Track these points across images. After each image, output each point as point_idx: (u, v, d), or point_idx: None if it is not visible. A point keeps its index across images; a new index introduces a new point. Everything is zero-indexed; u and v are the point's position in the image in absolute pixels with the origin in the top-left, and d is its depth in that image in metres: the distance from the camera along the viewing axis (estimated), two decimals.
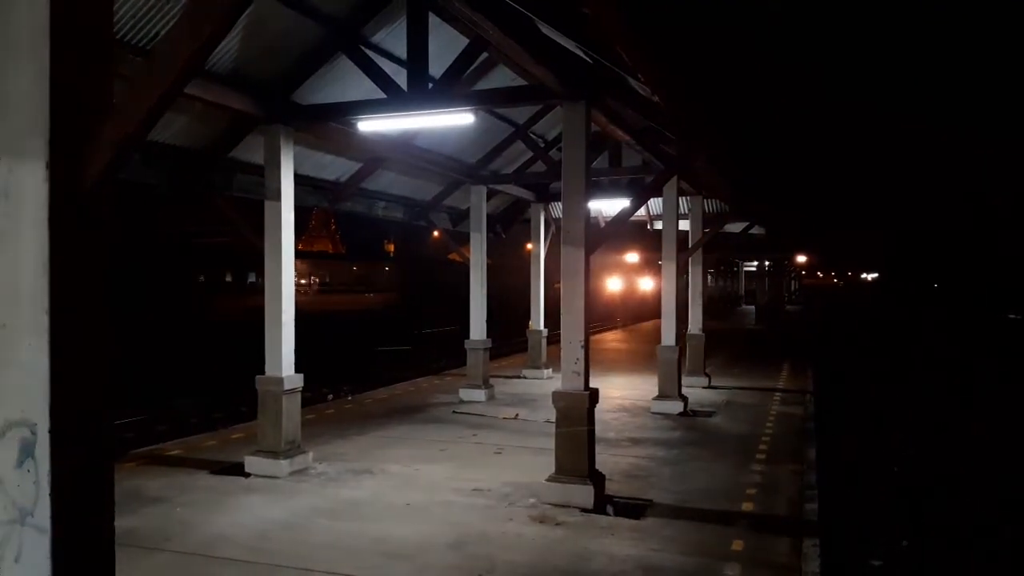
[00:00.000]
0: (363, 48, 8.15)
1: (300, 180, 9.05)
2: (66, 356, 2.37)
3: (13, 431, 2.39)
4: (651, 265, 23.66)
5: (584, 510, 6.73)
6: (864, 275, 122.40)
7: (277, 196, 8.03)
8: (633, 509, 6.82)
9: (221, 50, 7.29)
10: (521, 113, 12.09)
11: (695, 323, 14.67)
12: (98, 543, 2.52)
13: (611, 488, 7.25)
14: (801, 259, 48.39)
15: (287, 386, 7.98)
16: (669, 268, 12.34)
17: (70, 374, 2.38)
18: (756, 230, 20.22)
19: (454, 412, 11.66)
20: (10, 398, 2.40)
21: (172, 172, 9.34)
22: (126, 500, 6.61)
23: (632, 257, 38.39)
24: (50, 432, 2.34)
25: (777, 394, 13.67)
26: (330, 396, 13.16)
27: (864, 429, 14.06)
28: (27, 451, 2.37)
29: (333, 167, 11.73)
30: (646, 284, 37.19)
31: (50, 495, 2.34)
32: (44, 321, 2.33)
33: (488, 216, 13.38)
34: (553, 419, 7.31)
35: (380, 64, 8.10)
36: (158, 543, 5.83)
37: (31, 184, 2.36)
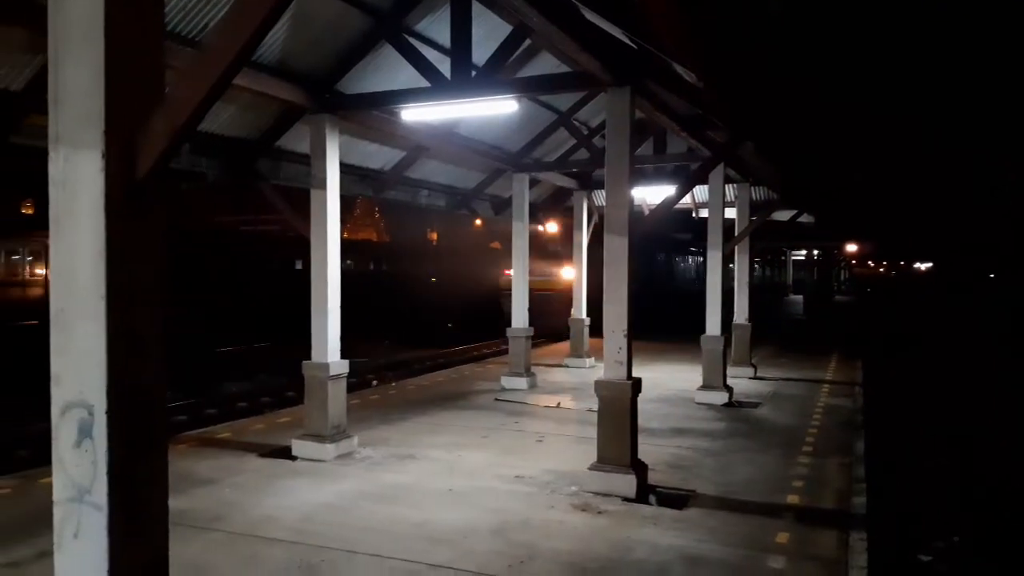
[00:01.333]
0: (407, 37, 8.19)
1: (345, 169, 9.15)
2: (122, 340, 2.44)
3: (72, 412, 2.48)
4: (567, 244, 17.71)
5: (626, 499, 6.71)
6: (917, 264, 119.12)
7: (323, 185, 8.14)
8: (676, 499, 6.78)
9: (268, 41, 7.39)
10: (564, 100, 12.02)
11: (741, 312, 14.47)
12: (153, 521, 2.61)
13: (654, 478, 7.22)
14: (852, 248, 47.28)
15: (333, 372, 8.12)
16: (715, 257, 12.18)
17: (126, 357, 2.46)
18: (805, 218, 19.80)
19: (496, 399, 11.72)
20: (69, 380, 2.49)
21: (221, 161, 9.53)
22: (178, 481, 6.81)
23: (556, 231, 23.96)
24: (107, 413, 2.42)
25: (825, 385, 13.42)
26: (374, 382, 13.33)
27: (916, 422, 13.72)
28: (85, 431, 2.45)
29: (377, 156, 11.83)
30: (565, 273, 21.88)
31: (107, 474, 2.43)
32: (101, 306, 2.41)
33: (530, 204, 13.35)
34: (595, 408, 7.30)
35: (424, 52, 8.13)
36: (208, 523, 6.00)
37: (87, 173, 2.43)
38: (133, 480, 2.50)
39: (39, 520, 5.67)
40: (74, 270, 2.47)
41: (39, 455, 8.55)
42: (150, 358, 2.55)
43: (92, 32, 2.41)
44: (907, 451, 11.46)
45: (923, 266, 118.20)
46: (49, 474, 2.58)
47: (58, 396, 2.51)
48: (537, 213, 18.03)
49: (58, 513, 2.53)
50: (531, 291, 13.34)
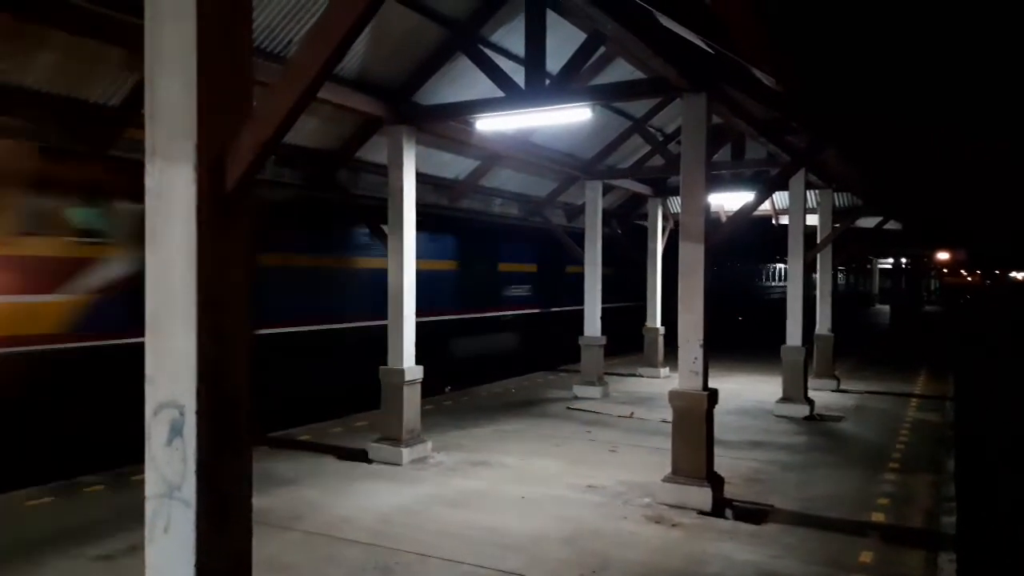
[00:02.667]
0: (481, 47, 8.30)
1: (420, 178, 9.32)
2: (212, 343, 2.56)
3: (164, 412, 2.61)
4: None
5: (701, 512, 6.58)
6: (1014, 273, 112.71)
7: (400, 194, 8.30)
8: (753, 514, 6.60)
9: (348, 54, 7.61)
10: (639, 107, 11.93)
11: (823, 323, 14.00)
12: (237, 518, 2.71)
13: (730, 492, 7.05)
14: (942, 256, 45.13)
15: (408, 377, 8.26)
16: (795, 265, 11.84)
17: (214, 360, 2.57)
18: (892, 225, 19.04)
19: (568, 408, 11.67)
20: (162, 381, 2.62)
21: (303, 172, 9.86)
22: (260, 481, 7.01)
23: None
24: (196, 413, 2.53)
25: (913, 399, 12.83)
26: (448, 388, 13.48)
27: (1011, 439, 12.96)
28: (176, 430, 2.58)
29: (452, 165, 12.02)
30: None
31: (195, 472, 2.54)
32: (192, 311, 2.53)
33: (604, 211, 13.29)
34: (669, 419, 7.19)
35: (498, 62, 8.22)
36: (288, 522, 6.19)
37: (180, 185, 2.56)
38: (220, 478, 2.61)
39: (128, 515, 5.98)
40: (168, 277, 2.60)
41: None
42: (237, 360, 2.66)
43: (185, 51, 2.54)
44: (1002, 470, 10.84)
45: (1021, 275, 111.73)
46: (138, 472, 2.71)
47: (152, 396, 2.65)
48: (611, 220, 17.94)
49: (150, 508, 2.66)
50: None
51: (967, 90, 6.53)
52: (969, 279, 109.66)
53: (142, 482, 2.70)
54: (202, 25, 2.52)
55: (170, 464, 2.59)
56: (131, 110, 7.29)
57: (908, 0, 4.45)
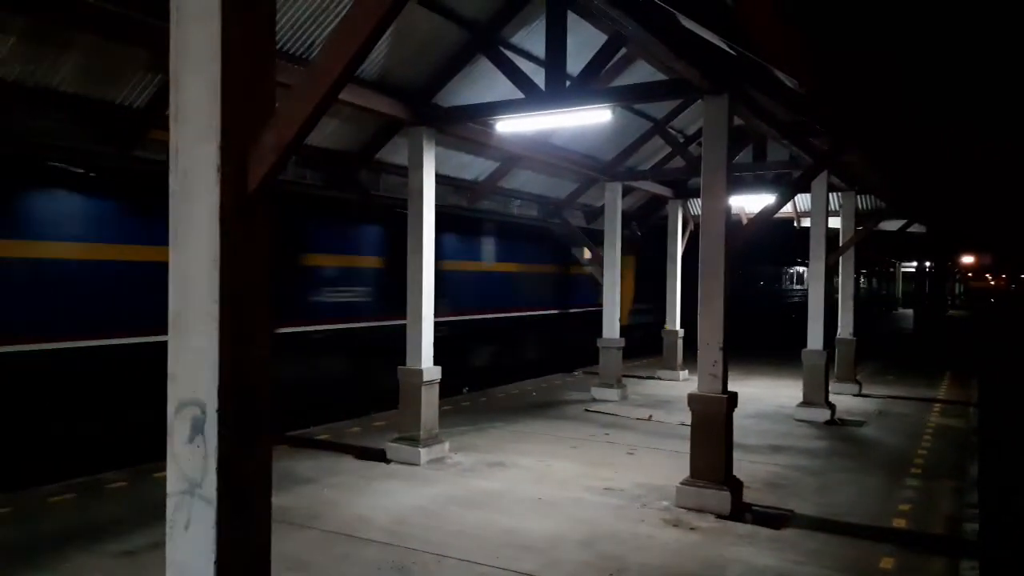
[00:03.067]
0: (502, 49, 8.31)
1: (441, 180, 9.36)
2: (234, 343, 2.58)
3: (186, 410, 2.64)
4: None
5: (720, 516, 6.53)
6: None
7: (419, 195, 8.32)
8: (773, 518, 6.55)
9: (369, 56, 7.66)
10: (659, 108, 11.90)
11: (845, 327, 13.86)
12: (257, 516, 2.73)
13: (749, 496, 7.00)
14: (967, 259, 44.51)
15: (426, 378, 8.28)
16: (817, 268, 11.74)
17: (237, 359, 2.60)
18: (916, 228, 18.82)
19: (586, 410, 11.65)
20: (184, 380, 2.65)
21: (324, 172, 9.93)
22: (280, 479, 7.10)
23: None
24: (218, 411, 2.56)
25: (936, 405, 12.66)
26: (465, 389, 13.50)
27: None
28: (197, 428, 2.60)
29: (472, 167, 12.04)
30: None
31: (216, 469, 2.56)
32: (215, 310, 2.56)
33: (623, 213, 13.25)
34: (688, 422, 7.15)
35: (518, 64, 8.23)
36: (307, 521, 6.23)
37: (204, 185, 2.59)
38: (240, 476, 2.63)
39: (149, 511, 6.06)
40: (190, 276, 2.63)
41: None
42: (258, 359, 2.69)
43: (209, 52, 2.57)
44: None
45: None
46: (159, 468, 2.74)
47: (173, 394, 2.68)
48: (631, 221, 17.88)
49: (171, 505, 2.69)
50: None
51: (988, 87, 6.43)
52: (994, 283, 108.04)
53: (163, 479, 2.73)
54: (226, 27, 2.55)
55: (192, 461, 2.62)
56: (155, 111, 7.39)
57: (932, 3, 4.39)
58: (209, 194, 2.57)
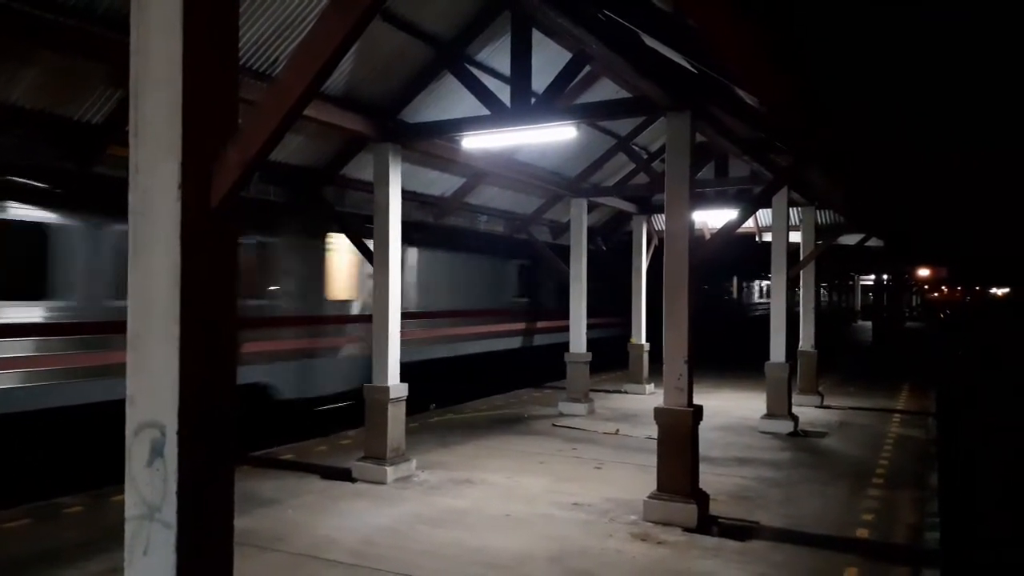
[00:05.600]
0: (468, 66, 8.35)
1: (407, 196, 9.33)
2: (194, 363, 2.53)
3: (145, 432, 2.58)
4: None
5: (687, 529, 6.56)
6: (993, 290, 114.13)
7: (385, 211, 8.29)
8: (739, 531, 6.60)
9: (335, 73, 7.63)
10: (623, 125, 12.03)
11: (807, 339, 14.08)
12: (219, 540, 2.68)
13: (716, 508, 7.04)
14: (923, 272, 45.64)
15: (393, 395, 8.21)
16: (779, 281, 11.93)
17: (198, 379, 2.55)
18: (874, 242, 19.26)
19: (554, 425, 11.64)
20: (143, 401, 2.59)
21: (289, 188, 9.84)
22: (242, 501, 6.96)
23: None
24: (178, 434, 2.50)
25: (896, 415, 12.91)
26: (433, 405, 13.41)
27: (993, 454, 13.07)
28: (157, 451, 2.54)
29: (438, 183, 12.03)
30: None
31: (177, 493, 2.50)
32: (175, 330, 2.51)
33: (589, 228, 13.34)
34: (654, 435, 7.18)
35: (484, 81, 8.27)
36: (271, 543, 6.11)
37: (165, 202, 2.55)
38: (201, 499, 2.58)
39: (110, 537, 5.89)
40: (151, 295, 2.57)
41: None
42: (222, 379, 2.64)
43: (171, 68, 2.54)
44: (985, 485, 10.92)
45: (1000, 291, 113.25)
46: (119, 492, 2.67)
47: (132, 416, 2.61)
48: (596, 237, 18.02)
49: (129, 530, 2.62)
50: None
51: (940, 107, 6.64)
52: (959, 295, 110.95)
53: (122, 503, 2.66)
54: (188, 42, 2.52)
55: (151, 485, 2.56)
56: (115, 127, 7.26)
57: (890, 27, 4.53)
58: (170, 211, 2.53)
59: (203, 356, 2.56)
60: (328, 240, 11.13)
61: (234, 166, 2.53)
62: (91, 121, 7.30)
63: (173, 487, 2.51)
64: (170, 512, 2.52)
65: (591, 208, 13.90)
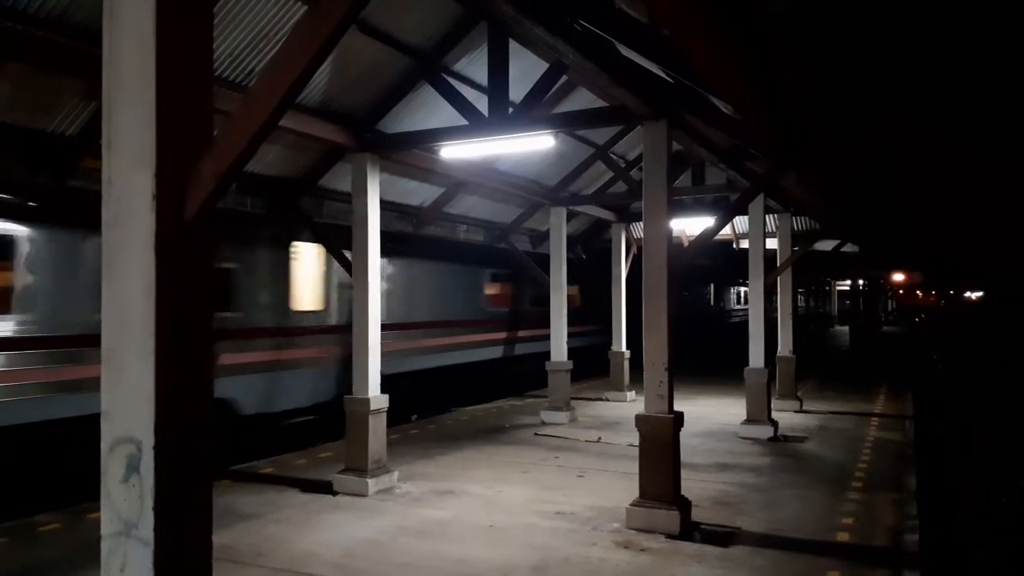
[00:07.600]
0: (445, 76, 8.35)
1: (386, 206, 9.30)
2: (170, 377, 2.50)
3: (120, 448, 2.54)
4: None
5: (670, 536, 6.58)
6: (967, 293, 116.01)
7: (364, 222, 8.26)
8: (721, 537, 6.62)
9: (311, 83, 7.61)
10: (601, 134, 12.10)
11: (785, 345, 14.20)
12: (197, 557, 2.64)
13: (698, 515, 7.07)
14: (898, 277, 46.26)
15: (373, 407, 8.16)
16: (756, 288, 12.03)
17: (174, 394, 2.52)
18: (849, 248, 19.49)
19: (536, 434, 11.63)
20: (118, 417, 2.55)
21: (266, 199, 9.77)
22: (221, 516, 6.88)
23: None
24: (154, 449, 2.47)
25: (874, 419, 13.04)
26: (414, 416, 13.34)
27: (969, 457, 13.24)
28: (133, 467, 2.50)
29: (417, 192, 12.01)
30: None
31: (153, 509, 2.47)
32: (150, 343, 2.48)
33: (568, 237, 13.39)
34: (636, 443, 7.20)
35: (461, 91, 8.27)
36: (251, 558, 6.03)
37: (139, 215, 2.52)
38: (179, 515, 2.54)
39: (87, 555, 5.78)
40: (125, 309, 2.54)
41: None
42: (198, 393, 2.61)
43: (144, 79, 2.52)
44: (962, 487, 11.05)
45: (973, 295, 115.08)
46: (97, 509, 2.62)
47: (107, 432, 2.57)
48: (576, 245, 18.07)
49: (105, 547, 2.58)
50: None
51: (912, 115, 6.75)
52: (933, 299, 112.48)
53: (99, 520, 2.61)
54: (161, 53, 2.50)
55: (127, 502, 2.52)
56: (89, 139, 7.18)
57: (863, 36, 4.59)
58: (143, 223, 2.50)
59: (179, 370, 2.53)
60: (294, 249, 10.88)
61: (209, 177, 2.52)
62: (65, 133, 7.21)
63: (150, 503, 2.47)
64: (147, 529, 2.48)
65: (570, 217, 13.94)
